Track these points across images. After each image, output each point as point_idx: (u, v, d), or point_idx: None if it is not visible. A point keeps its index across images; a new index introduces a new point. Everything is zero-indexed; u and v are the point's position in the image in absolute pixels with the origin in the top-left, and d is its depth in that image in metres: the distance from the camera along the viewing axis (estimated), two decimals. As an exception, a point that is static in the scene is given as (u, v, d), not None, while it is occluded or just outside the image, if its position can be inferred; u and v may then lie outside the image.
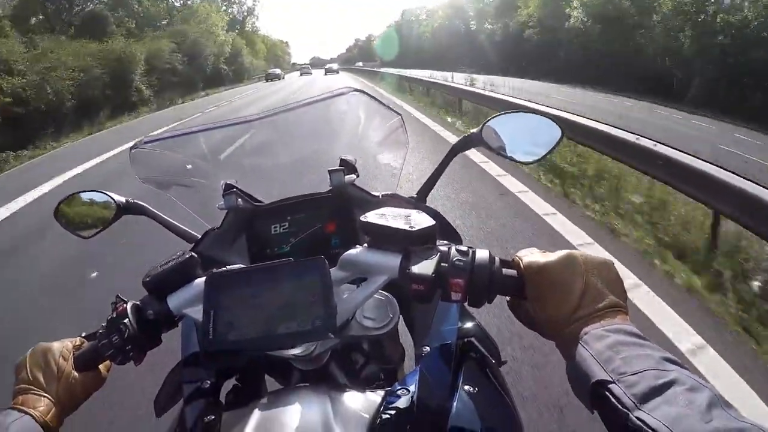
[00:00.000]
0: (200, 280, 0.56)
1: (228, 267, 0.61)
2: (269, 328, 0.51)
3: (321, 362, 0.63)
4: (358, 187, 0.82)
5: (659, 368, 0.39)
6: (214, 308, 0.52)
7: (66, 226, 0.91)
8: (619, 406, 0.37)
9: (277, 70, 44.89)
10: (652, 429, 0.35)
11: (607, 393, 0.39)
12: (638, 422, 0.36)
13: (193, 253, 0.59)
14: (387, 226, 0.53)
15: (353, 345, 0.73)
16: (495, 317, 2.16)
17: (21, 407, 0.52)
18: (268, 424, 0.51)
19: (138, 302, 0.58)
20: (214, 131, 0.85)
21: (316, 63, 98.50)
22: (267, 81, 38.55)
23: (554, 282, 0.48)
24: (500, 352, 0.68)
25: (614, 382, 0.39)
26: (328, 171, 0.81)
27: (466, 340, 0.66)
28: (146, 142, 0.85)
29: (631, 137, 4.04)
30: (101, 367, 0.60)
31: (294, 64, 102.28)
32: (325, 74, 44.29)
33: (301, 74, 49.52)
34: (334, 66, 52.47)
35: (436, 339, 0.65)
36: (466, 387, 0.54)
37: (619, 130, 4.36)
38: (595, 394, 0.40)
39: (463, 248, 0.52)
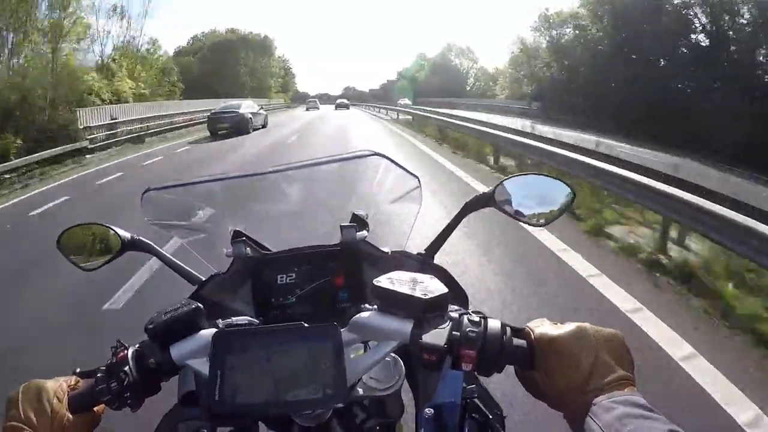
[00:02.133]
0: (205, 333, 0.56)
1: (234, 320, 0.60)
2: (278, 394, 0.50)
3: (322, 420, 0.62)
4: (368, 243, 0.83)
5: None
6: (221, 368, 0.51)
7: (67, 256, 0.90)
8: None
9: (250, 107, 17.96)
10: None
11: None
12: None
13: (198, 304, 0.58)
14: (399, 293, 0.52)
15: (355, 402, 0.72)
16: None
17: None
18: None
19: (139, 348, 0.57)
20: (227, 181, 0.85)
21: (350, 95, 74.21)
22: (218, 130, 16.02)
23: (565, 354, 0.48)
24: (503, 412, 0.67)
25: None
26: (340, 226, 0.81)
27: (468, 400, 0.66)
28: (158, 188, 0.85)
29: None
30: (96, 408, 0.58)
31: (310, 96, 65.61)
32: (336, 109, 42.76)
33: (307, 108, 44.12)
34: (345, 101, 49.71)
35: (439, 399, 0.65)
36: None
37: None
38: None
39: (475, 318, 0.51)
